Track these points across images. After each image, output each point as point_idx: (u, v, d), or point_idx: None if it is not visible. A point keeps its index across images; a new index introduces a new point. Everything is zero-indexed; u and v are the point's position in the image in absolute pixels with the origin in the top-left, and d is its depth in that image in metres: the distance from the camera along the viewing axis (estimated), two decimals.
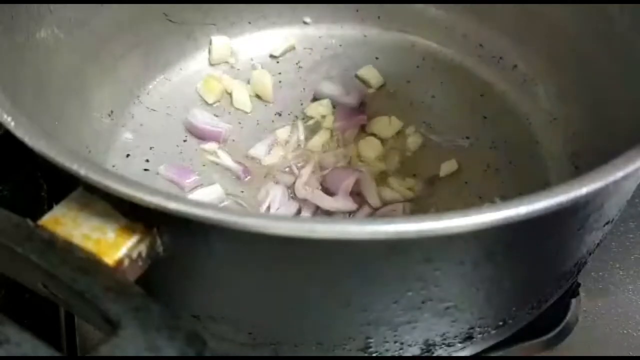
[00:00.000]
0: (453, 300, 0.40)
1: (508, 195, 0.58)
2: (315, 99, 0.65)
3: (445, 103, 0.65)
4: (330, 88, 0.66)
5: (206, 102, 0.65)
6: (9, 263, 0.33)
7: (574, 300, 0.55)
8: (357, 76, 0.68)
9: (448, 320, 0.42)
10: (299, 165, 0.60)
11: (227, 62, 0.68)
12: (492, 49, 0.68)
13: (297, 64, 0.69)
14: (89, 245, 0.33)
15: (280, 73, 0.68)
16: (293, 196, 0.58)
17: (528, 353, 0.53)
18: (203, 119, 0.62)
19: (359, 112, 0.64)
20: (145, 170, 0.60)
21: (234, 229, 0.31)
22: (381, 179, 0.59)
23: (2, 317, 0.29)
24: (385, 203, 0.57)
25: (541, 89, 0.64)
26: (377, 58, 0.69)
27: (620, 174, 0.33)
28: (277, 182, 0.59)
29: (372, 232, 0.31)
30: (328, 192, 0.57)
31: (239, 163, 0.60)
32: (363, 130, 0.63)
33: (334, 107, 0.64)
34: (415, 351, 0.44)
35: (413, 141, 0.62)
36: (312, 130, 0.63)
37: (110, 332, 0.29)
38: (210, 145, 0.61)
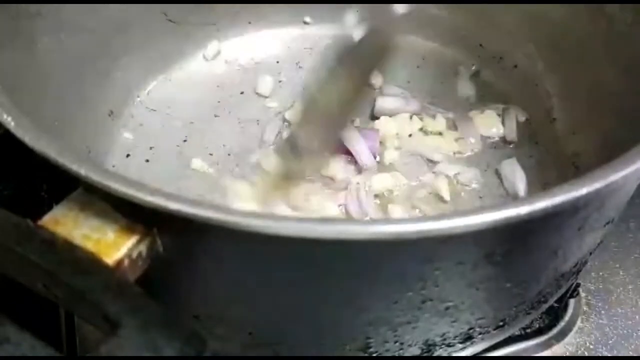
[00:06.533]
0: (453, 301, 0.40)
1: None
2: (374, 117, 0.64)
3: (445, 103, 0.65)
4: (389, 102, 0.64)
5: None
6: (9, 263, 0.33)
7: (573, 301, 0.55)
8: None
9: (448, 321, 0.42)
10: None
11: (227, 62, 0.69)
12: (492, 49, 0.68)
13: (297, 64, 0.69)
14: (89, 245, 0.33)
15: (280, 73, 0.68)
16: None
17: (528, 353, 0.53)
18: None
19: None
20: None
21: (234, 229, 0.31)
22: None
23: (2, 317, 0.29)
24: None
25: (541, 89, 0.64)
26: None
27: (620, 174, 0.33)
28: None
29: (372, 233, 0.31)
30: None
31: None
32: None
33: None
34: (415, 351, 0.44)
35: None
36: None
37: (110, 332, 0.29)
38: None
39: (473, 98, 0.66)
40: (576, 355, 0.53)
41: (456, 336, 0.44)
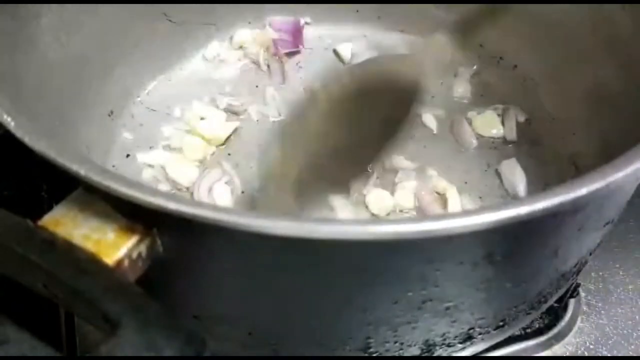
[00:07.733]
0: (453, 301, 0.40)
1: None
2: None
3: (444, 103, 0.65)
4: None
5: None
6: (9, 263, 0.33)
7: (573, 300, 0.55)
8: None
9: (448, 321, 0.42)
10: None
11: (227, 62, 0.69)
12: (492, 49, 0.68)
13: (297, 64, 0.69)
14: (89, 246, 0.33)
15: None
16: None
17: (528, 353, 0.53)
18: None
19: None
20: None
21: (233, 229, 0.31)
22: None
23: (2, 317, 0.29)
24: None
25: (541, 89, 0.64)
26: None
27: (620, 174, 0.33)
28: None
29: (372, 233, 0.31)
30: None
31: None
32: None
33: None
34: (415, 351, 0.44)
35: None
36: None
37: (110, 332, 0.29)
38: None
39: (472, 98, 0.66)
40: (576, 355, 0.53)
41: (456, 336, 0.44)
